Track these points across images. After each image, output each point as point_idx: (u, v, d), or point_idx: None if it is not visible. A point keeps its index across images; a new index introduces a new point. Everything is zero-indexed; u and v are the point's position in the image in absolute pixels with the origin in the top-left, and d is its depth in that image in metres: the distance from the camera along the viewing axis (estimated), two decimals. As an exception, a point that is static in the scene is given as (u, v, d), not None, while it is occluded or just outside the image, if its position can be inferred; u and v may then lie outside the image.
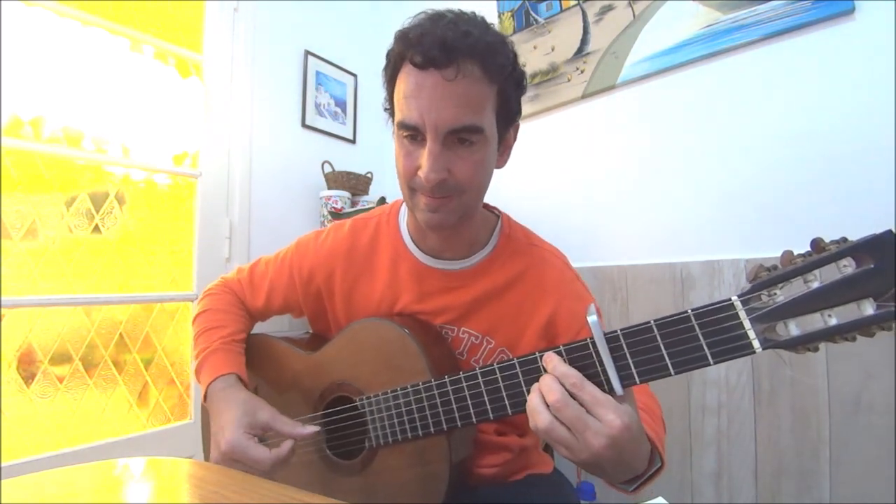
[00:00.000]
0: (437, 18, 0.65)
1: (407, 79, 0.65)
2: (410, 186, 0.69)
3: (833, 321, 0.43)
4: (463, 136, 0.65)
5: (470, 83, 0.63)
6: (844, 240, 0.42)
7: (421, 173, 0.65)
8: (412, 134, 0.65)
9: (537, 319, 0.76)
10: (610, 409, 0.48)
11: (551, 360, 0.53)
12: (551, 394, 0.50)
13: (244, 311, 0.89)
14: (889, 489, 0.96)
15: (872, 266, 0.41)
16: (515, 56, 0.68)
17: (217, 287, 0.91)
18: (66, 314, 1.32)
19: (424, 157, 0.64)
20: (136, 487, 0.60)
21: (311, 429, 0.69)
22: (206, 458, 0.90)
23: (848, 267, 0.42)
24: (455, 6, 0.68)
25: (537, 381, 0.56)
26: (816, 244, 0.43)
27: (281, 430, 0.68)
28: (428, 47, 0.61)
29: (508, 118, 0.71)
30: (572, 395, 0.50)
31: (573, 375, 0.51)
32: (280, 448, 0.66)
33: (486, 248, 0.80)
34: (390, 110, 0.73)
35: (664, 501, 0.66)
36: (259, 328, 0.91)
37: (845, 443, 1.03)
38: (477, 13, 0.68)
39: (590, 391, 0.49)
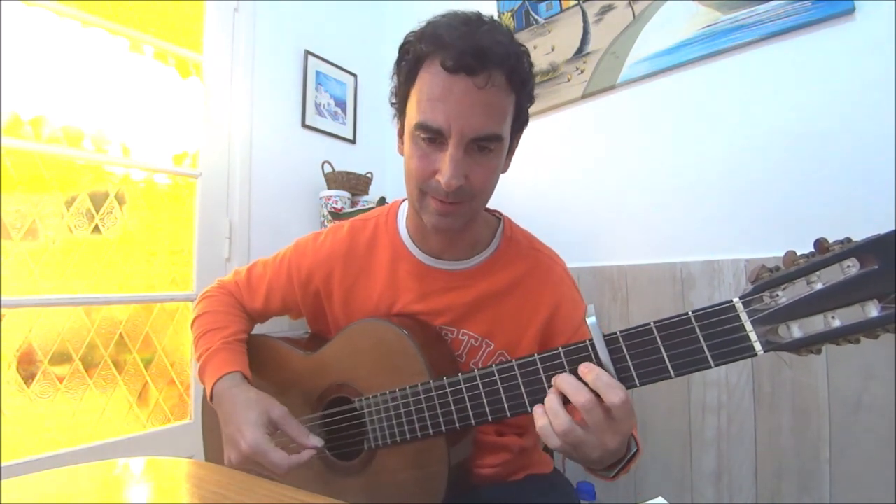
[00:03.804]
0: (470, 23, 0.64)
1: (432, 80, 0.63)
2: (422, 189, 0.68)
3: (836, 323, 0.42)
4: (483, 144, 0.64)
5: (497, 92, 0.63)
6: (848, 240, 0.42)
7: (441, 178, 0.64)
8: (432, 137, 0.64)
9: (536, 323, 0.77)
10: (631, 412, 0.51)
11: (590, 371, 0.52)
12: (580, 395, 0.50)
13: (243, 312, 0.89)
14: (889, 489, 0.96)
15: (877, 267, 0.40)
16: (532, 67, 0.69)
17: (214, 290, 0.91)
18: (66, 314, 1.32)
19: (446, 163, 0.63)
20: (136, 487, 0.60)
21: (317, 442, 0.68)
22: (207, 457, 0.90)
23: (852, 268, 0.41)
24: (455, 6, 0.68)
25: (535, 382, 0.56)
26: (820, 244, 0.43)
27: (288, 434, 0.68)
28: (462, 52, 0.60)
29: (519, 126, 0.72)
30: (598, 397, 0.50)
31: (605, 376, 0.51)
32: (300, 455, 0.66)
33: (488, 250, 0.80)
34: (399, 106, 0.72)
35: (664, 501, 0.66)
36: (258, 329, 0.91)
37: (845, 443, 1.03)
38: (494, 18, 0.67)
39: (618, 393, 0.50)
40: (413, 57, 0.66)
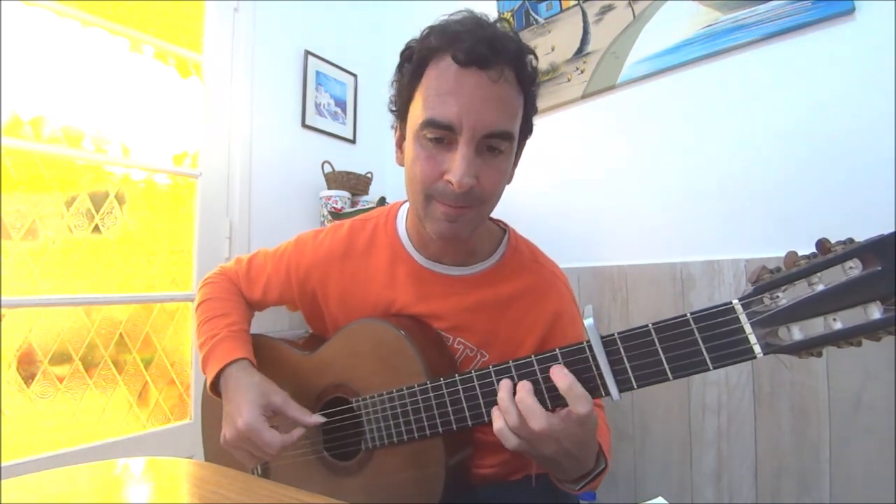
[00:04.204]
0: (478, 19, 0.63)
1: (442, 75, 0.61)
2: (428, 194, 0.64)
3: (837, 325, 0.42)
4: (493, 144, 0.62)
5: (509, 88, 0.62)
6: (851, 241, 0.41)
7: (451, 178, 0.61)
8: (440, 136, 0.61)
9: (532, 338, 0.76)
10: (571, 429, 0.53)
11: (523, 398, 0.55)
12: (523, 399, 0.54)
13: (243, 301, 0.89)
14: (889, 489, 0.96)
15: (879, 268, 0.39)
16: (536, 71, 0.68)
17: (216, 276, 0.92)
18: (66, 314, 1.32)
19: (456, 161, 0.60)
20: (136, 487, 0.60)
21: (318, 419, 0.70)
22: (207, 458, 0.90)
23: (854, 269, 0.40)
24: (455, 6, 0.68)
25: (532, 384, 0.56)
26: (822, 245, 0.42)
27: (290, 415, 0.69)
28: (476, 42, 0.59)
29: (524, 133, 0.70)
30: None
31: (530, 407, 0.53)
32: (290, 434, 0.67)
33: (491, 259, 0.79)
34: (399, 112, 0.70)
35: (664, 501, 0.66)
36: (259, 329, 0.91)
37: (845, 443, 1.03)
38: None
39: (539, 423, 0.52)
40: (419, 57, 0.64)
